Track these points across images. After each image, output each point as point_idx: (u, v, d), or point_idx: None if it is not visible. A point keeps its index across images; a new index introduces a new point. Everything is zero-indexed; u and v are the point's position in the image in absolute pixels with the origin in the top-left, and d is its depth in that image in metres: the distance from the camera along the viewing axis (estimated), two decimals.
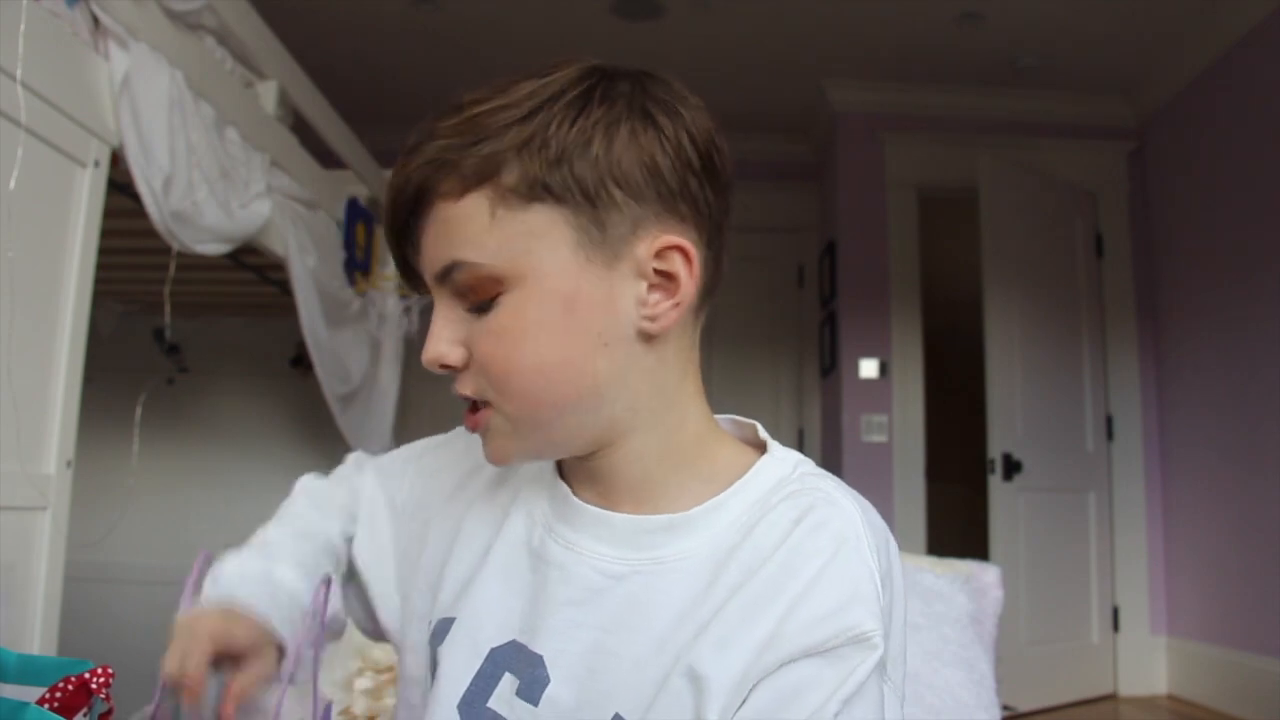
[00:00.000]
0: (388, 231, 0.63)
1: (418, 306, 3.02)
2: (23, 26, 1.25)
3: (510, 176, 0.56)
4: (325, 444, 2.86)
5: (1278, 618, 3.06)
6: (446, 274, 0.59)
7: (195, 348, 2.90)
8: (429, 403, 4.54)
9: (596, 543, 0.62)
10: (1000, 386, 3.53)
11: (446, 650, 0.64)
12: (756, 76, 3.99)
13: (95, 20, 1.48)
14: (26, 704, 0.58)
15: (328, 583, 0.68)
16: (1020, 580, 3.38)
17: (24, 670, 0.71)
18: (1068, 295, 3.87)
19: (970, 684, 1.03)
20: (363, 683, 1.43)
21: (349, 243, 2.59)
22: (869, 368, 3.93)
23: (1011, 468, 3.51)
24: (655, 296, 0.59)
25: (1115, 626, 3.76)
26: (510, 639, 0.62)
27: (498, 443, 0.62)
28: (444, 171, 0.57)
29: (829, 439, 4.12)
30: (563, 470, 0.67)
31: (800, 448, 4.72)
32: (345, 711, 1.39)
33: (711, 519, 0.60)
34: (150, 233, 1.66)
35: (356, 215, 2.65)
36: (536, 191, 0.56)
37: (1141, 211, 4.01)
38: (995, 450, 3.50)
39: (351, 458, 0.81)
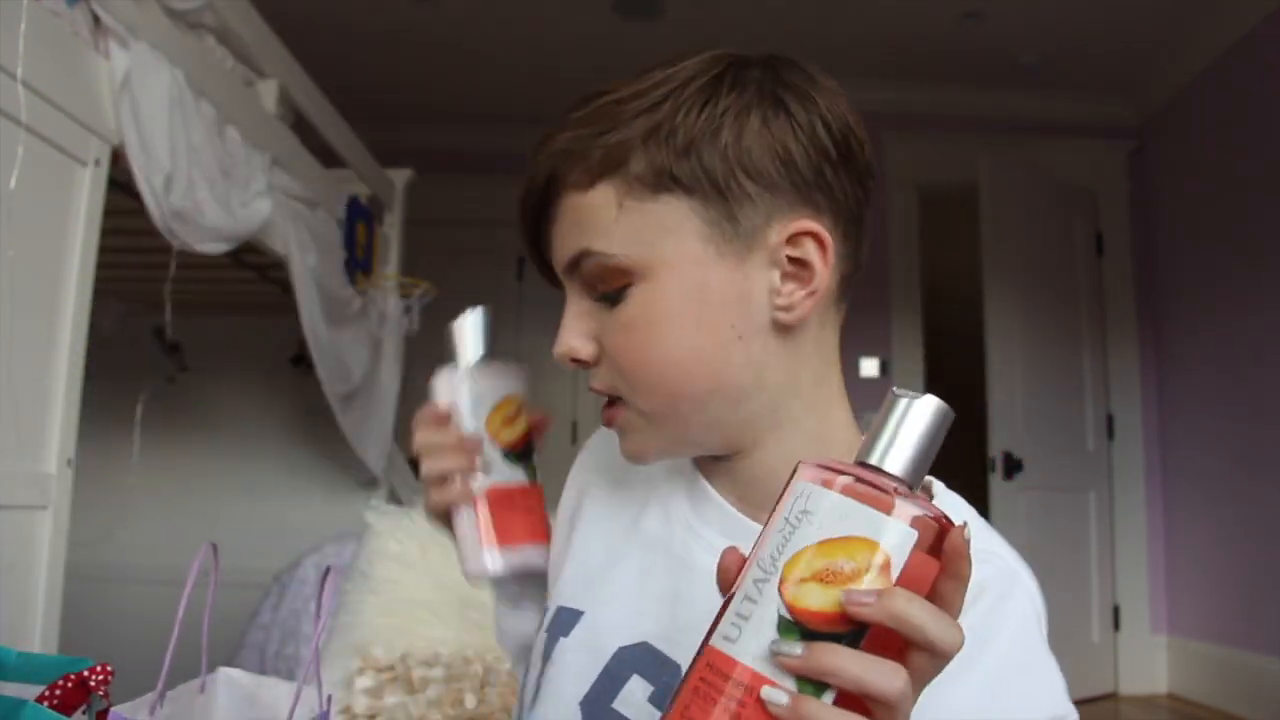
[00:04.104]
0: (520, 223, 0.62)
1: (418, 306, 3.02)
2: (23, 25, 1.25)
3: (638, 166, 0.55)
4: (325, 443, 2.86)
5: (1278, 618, 3.06)
6: (575, 264, 0.58)
7: (195, 347, 2.90)
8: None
9: None
10: (1000, 386, 3.53)
11: (570, 644, 0.62)
12: None
13: (96, 19, 1.48)
14: (25, 701, 0.58)
15: (325, 573, 0.68)
16: None
17: (24, 668, 0.71)
18: (1068, 295, 3.87)
19: None
20: (363, 681, 1.42)
21: (349, 242, 2.59)
22: (869, 367, 3.93)
23: (1012, 467, 3.52)
24: (790, 286, 0.57)
25: (1116, 625, 3.77)
26: (640, 640, 0.60)
27: (634, 439, 0.61)
28: (572, 161, 0.57)
29: None
30: (701, 466, 0.65)
31: None
32: (346, 710, 1.39)
33: None
34: (151, 232, 1.66)
35: (357, 214, 2.65)
36: (664, 182, 0.55)
37: (1141, 211, 4.01)
38: (996, 449, 3.50)
39: None
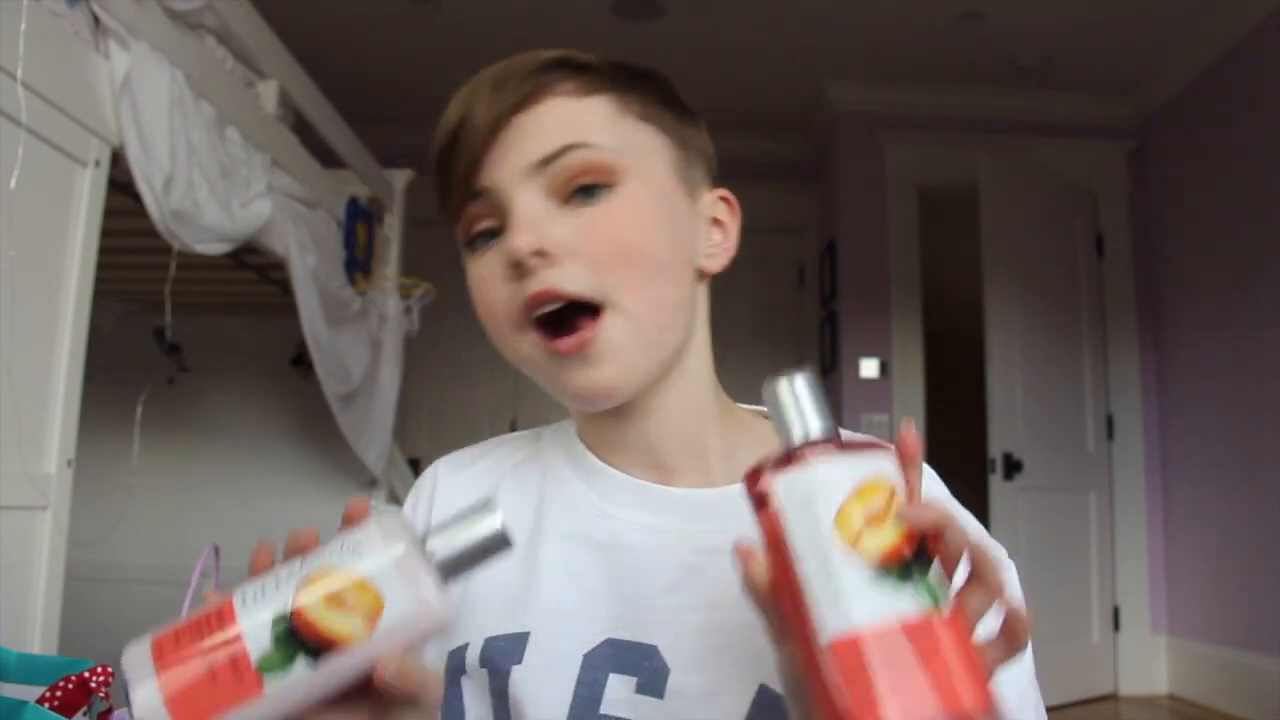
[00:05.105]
0: (453, 147, 0.60)
1: (418, 306, 3.02)
2: (23, 26, 1.25)
3: (631, 96, 0.62)
4: (325, 444, 2.86)
5: (1278, 618, 3.06)
6: (554, 158, 0.58)
7: (196, 347, 2.90)
8: (429, 403, 4.55)
9: (688, 521, 0.61)
10: (1000, 386, 3.53)
11: (530, 668, 0.59)
12: (756, 76, 3.99)
13: (96, 20, 1.48)
14: (25, 702, 0.58)
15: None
16: (1020, 580, 3.38)
17: (24, 669, 0.71)
18: (1068, 295, 3.87)
19: None
20: None
21: (349, 242, 2.59)
22: (869, 367, 3.93)
23: (1012, 467, 3.51)
24: (717, 235, 0.65)
25: (1116, 626, 3.76)
26: (602, 639, 0.59)
27: (617, 361, 0.58)
28: (568, 71, 0.61)
29: None
30: (592, 448, 0.66)
31: None
32: None
33: None
34: (151, 232, 1.66)
35: (357, 214, 2.65)
36: (651, 115, 0.63)
37: (1142, 211, 4.01)
38: (996, 450, 3.50)
39: None
